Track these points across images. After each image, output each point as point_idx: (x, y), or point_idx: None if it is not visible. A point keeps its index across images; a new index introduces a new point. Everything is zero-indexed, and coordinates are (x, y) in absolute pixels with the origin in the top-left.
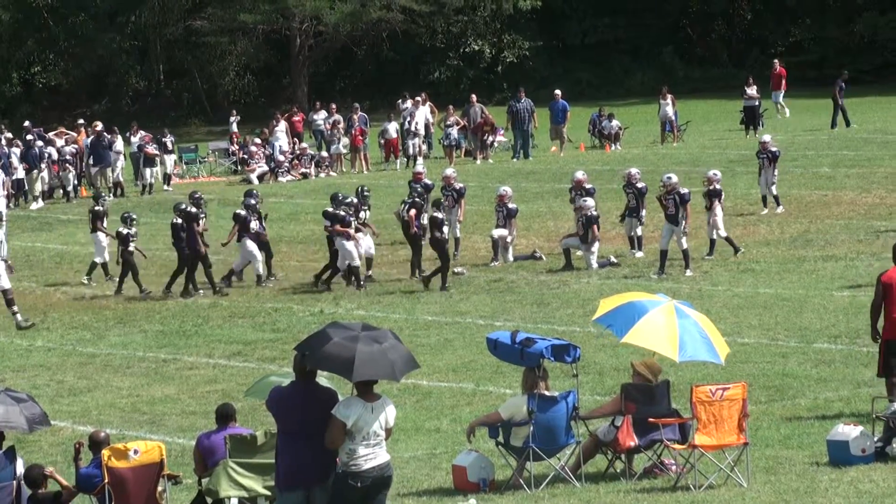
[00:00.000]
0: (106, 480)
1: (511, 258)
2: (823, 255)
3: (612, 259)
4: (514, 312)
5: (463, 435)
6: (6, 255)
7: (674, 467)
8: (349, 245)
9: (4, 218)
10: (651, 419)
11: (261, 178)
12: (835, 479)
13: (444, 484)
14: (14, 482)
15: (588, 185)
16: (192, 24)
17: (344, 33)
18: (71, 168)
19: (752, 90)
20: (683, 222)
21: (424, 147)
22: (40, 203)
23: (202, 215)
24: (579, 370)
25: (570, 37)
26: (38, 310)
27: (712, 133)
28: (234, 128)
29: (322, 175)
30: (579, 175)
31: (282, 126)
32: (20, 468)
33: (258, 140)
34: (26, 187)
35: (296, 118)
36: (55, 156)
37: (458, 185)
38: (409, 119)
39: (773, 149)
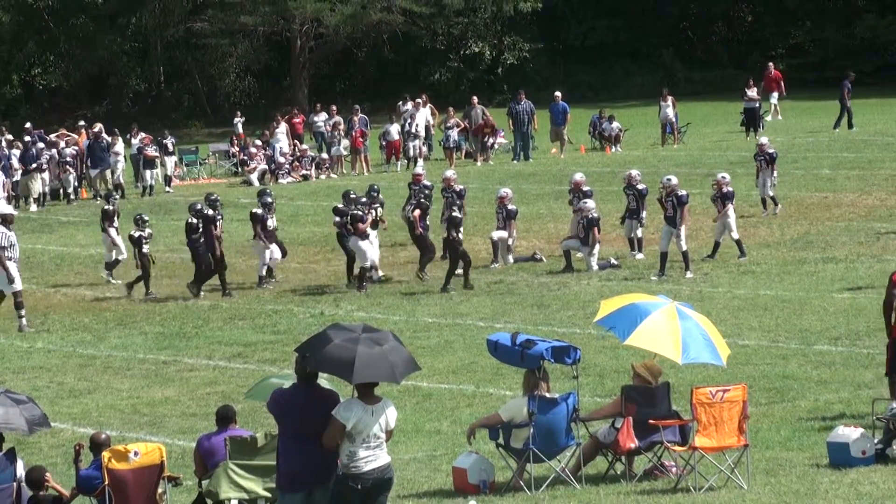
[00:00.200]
0: (106, 482)
1: (511, 260)
2: (824, 257)
3: (613, 261)
4: (515, 314)
5: (463, 437)
6: (17, 257)
7: (674, 469)
8: (364, 245)
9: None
10: (651, 421)
11: (261, 178)
12: (835, 481)
13: (445, 486)
14: (14, 484)
15: (586, 188)
16: (192, 26)
17: (344, 35)
18: (71, 170)
19: (752, 92)
20: (681, 224)
21: (425, 149)
22: (38, 205)
23: (219, 217)
24: (580, 372)
25: (570, 39)
26: (38, 311)
27: (713, 135)
28: (240, 129)
29: (322, 177)
30: (577, 177)
31: (282, 128)
32: (20, 470)
33: (258, 142)
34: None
35: (296, 120)
36: (56, 157)
37: (458, 187)
38: (409, 121)
39: (771, 151)
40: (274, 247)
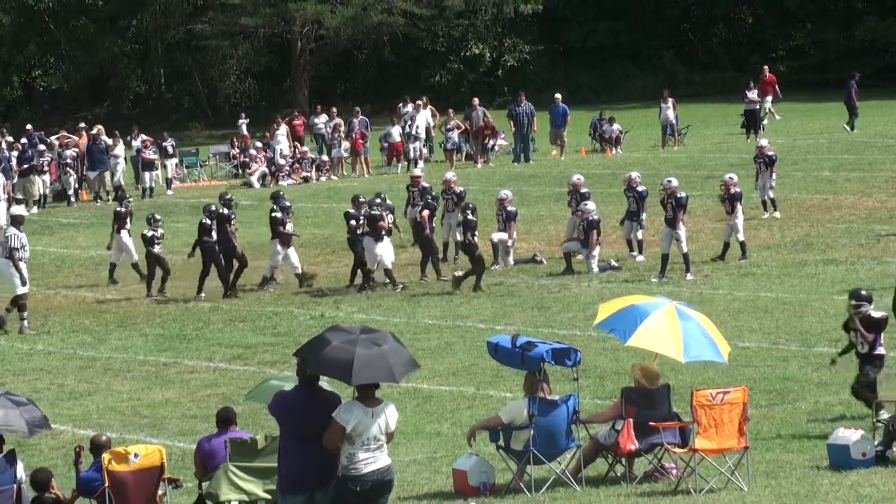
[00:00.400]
0: (106, 484)
1: (511, 262)
2: (824, 259)
3: (613, 263)
4: (515, 316)
5: (463, 438)
6: (27, 258)
7: (674, 471)
8: (377, 249)
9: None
10: (651, 423)
11: (261, 180)
12: (835, 483)
13: (445, 488)
14: (14, 486)
15: (584, 189)
16: (193, 28)
17: (345, 37)
18: (72, 172)
19: (752, 94)
20: (680, 226)
21: (425, 151)
22: (38, 207)
23: (233, 216)
24: (580, 374)
25: (570, 41)
26: (38, 313)
27: (713, 137)
28: (244, 130)
29: (323, 179)
30: (575, 178)
31: (283, 130)
32: (20, 472)
33: (259, 143)
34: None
35: (297, 122)
36: (56, 159)
37: (458, 189)
38: (409, 123)
39: (770, 153)
40: (291, 251)
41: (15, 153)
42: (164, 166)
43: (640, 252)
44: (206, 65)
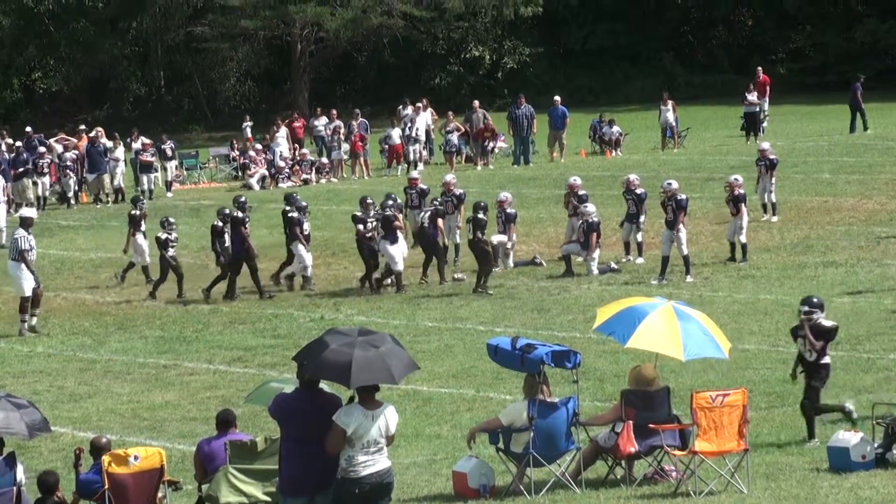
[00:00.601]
0: (106, 486)
1: (511, 264)
2: (824, 262)
3: (613, 265)
4: (515, 318)
5: (463, 441)
6: (34, 260)
7: (674, 473)
8: (393, 249)
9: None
10: (651, 425)
11: (261, 183)
12: (835, 486)
13: (445, 490)
14: (14, 488)
15: (581, 191)
16: (193, 30)
17: (345, 39)
18: (71, 174)
19: (752, 96)
20: (681, 228)
21: (425, 153)
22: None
23: (247, 219)
24: (580, 376)
25: (570, 43)
26: (38, 315)
27: (713, 139)
28: (248, 133)
29: (323, 181)
30: (573, 180)
31: (282, 132)
32: (20, 474)
33: (259, 146)
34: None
35: (297, 124)
36: (56, 162)
37: (458, 191)
38: (409, 125)
39: (772, 157)
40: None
41: (15, 156)
42: (164, 168)
43: (641, 254)
44: (205, 67)
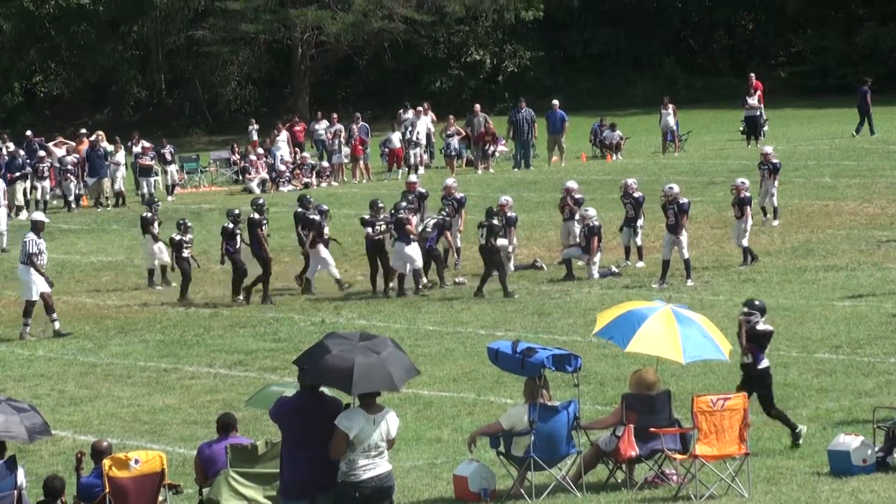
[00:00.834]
0: (107, 490)
1: (512, 268)
2: (825, 265)
3: (614, 269)
4: (515, 322)
5: (464, 445)
6: (44, 264)
7: (675, 477)
8: (409, 249)
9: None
10: (652, 429)
11: (261, 186)
12: (836, 490)
13: (446, 494)
14: (15, 492)
15: (578, 195)
16: (193, 34)
17: (345, 43)
18: (72, 178)
19: (753, 100)
20: (682, 231)
21: (426, 157)
22: (24, 215)
23: (265, 221)
24: (580, 380)
25: (571, 47)
26: (39, 319)
27: (714, 143)
28: (254, 136)
29: (323, 185)
30: (569, 184)
31: (283, 136)
32: (21, 478)
33: (260, 150)
34: (17, 197)
35: (297, 128)
36: (52, 165)
37: (458, 195)
38: (410, 129)
39: (775, 160)
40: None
41: (22, 159)
42: (165, 172)
43: (641, 258)
44: (206, 71)
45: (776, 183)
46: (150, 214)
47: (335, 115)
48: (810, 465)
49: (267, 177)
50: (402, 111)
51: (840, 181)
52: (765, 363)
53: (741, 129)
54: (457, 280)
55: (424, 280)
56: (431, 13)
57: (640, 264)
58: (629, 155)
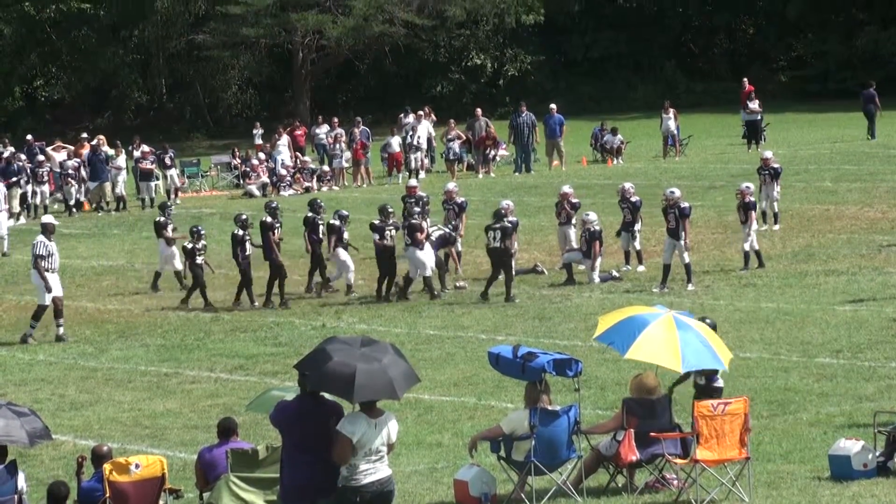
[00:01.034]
0: (107, 494)
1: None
2: (825, 270)
3: (615, 273)
4: (516, 327)
5: (465, 449)
6: (56, 267)
7: (675, 482)
8: (421, 255)
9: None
10: (653, 433)
11: (262, 190)
12: (836, 494)
13: (446, 498)
14: (15, 496)
15: (574, 200)
16: (194, 39)
17: (346, 47)
18: (73, 182)
19: (753, 104)
20: (684, 236)
21: (427, 161)
22: (22, 220)
23: (278, 225)
24: (581, 384)
25: (572, 51)
26: (40, 324)
27: (714, 147)
28: (259, 140)
29: (324, 189)
30: (565, 189)
31: (284, 140)
32: (21, 482)
33: (262, 155)
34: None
35: (298, 132)
36: (52, 169)
37: (459, 200)
38: (411, 133)
39: (776, 165)
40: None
41: (18, 164)
42: (166, 177)
43: (641, 262)
44: (207, 75)
45: (778, 187)
46: (163, 218)
47: (336, 120)
48: (811, 469)
49: (268, 181)
50: (402, 115)
51: (841, 185)
52: (720, 383)
53: (742, 133)
54: (457, 284)
55: (438, 286)
56: (432, 17)
57: (641, 268)
58: (630, 159)
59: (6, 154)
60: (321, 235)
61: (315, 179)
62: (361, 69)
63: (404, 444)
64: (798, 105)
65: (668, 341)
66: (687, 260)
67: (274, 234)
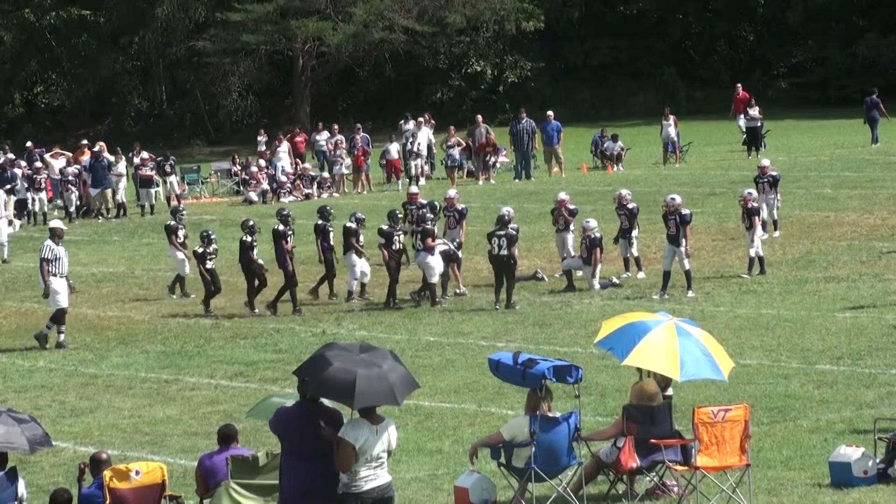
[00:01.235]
0: (107, 501)
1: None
2: (826, 277)
3: (615, 280)
4: (517, 333)
5: (465, 456)
6: (65, 272)
7: (676, 489)
8: (431, 261)
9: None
10: (653, 440)
11: (262, 197)
12: (837, 501)
13: None
14: (16, 503)
15: (572, 206)
16: (194, 45)
17: (346, 54)
18: (73, 188)
19: (753, 111)
20: (684, 243)
21: (427, 168)
22: (17, 226)
23: (290, 232)
24: (581, 391)
25: (572, 58)
26: (40, 327)
27: (714, 154)
28: (263, 147)
29: (325, 195)
30: (562, 195)
31: (284, 146)
32: (22, 489)
33: (262, 162)
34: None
35: (298, 139)
36: (50, 176)
37: (459, 206)
38: (410, 140)
39: (774, 173)
40: (364, 262)
41: (18, 171)
42: (166, 183)
43: (641, 269)
44: (207, 82)
45: (778, 195)
46: (174, 223)
47: (336, 126)
48: (811, 476)
49: (268, 187)
50: (402, 122)
51: (841, 192)
52: (669, 391)
53: (742, 140)
54: (457, 291)
55: (439, 293)
56: (432, 24)
57: (641, 275)
58: (630, 166)
59: (1, 160)
60: (332, 242)
61: (315, 186)
62: (362, 76)
63: (404, 450)
64: (798, 112)
65: (668, 349)
66: (687, 266)
67: (287, 242)
